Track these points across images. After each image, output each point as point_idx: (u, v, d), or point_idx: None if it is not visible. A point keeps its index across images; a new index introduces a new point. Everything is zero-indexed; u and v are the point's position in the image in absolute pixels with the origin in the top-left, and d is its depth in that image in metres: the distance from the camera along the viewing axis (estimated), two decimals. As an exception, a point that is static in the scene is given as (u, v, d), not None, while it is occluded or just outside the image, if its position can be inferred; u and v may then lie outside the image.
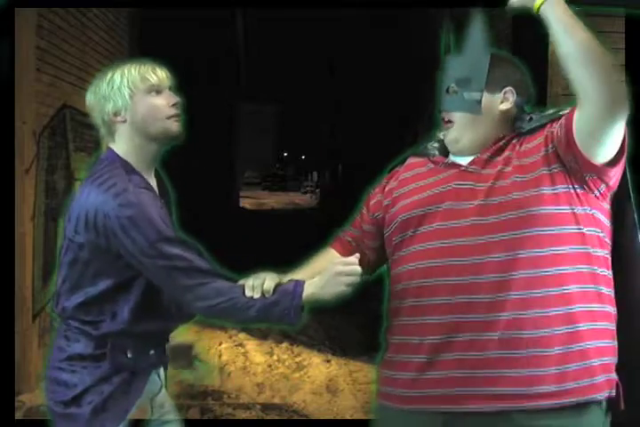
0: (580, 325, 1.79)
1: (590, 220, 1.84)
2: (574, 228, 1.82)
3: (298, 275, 2.02)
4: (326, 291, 1.88)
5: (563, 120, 1.85)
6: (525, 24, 5.20)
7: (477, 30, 1.99)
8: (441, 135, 2.06)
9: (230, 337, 6.94)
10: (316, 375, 5.70)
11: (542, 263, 1.78)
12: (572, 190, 1.84)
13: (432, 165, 2.01)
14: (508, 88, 1.96)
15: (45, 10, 5.23)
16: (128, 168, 2.03)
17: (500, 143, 1.93)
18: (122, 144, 2.07)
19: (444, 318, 1.80)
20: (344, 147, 19.31)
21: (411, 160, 2.10)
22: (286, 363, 6.12)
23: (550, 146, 1.86)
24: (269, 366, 6.04)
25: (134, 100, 2.04)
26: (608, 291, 1.86)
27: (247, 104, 37.68)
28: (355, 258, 1.91)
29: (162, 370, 2.21)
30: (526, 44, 5.13)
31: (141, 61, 2.11)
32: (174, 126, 2.07)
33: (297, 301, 1.89)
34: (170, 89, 2.10)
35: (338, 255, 2.11)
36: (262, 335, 7.03)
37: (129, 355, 2.03)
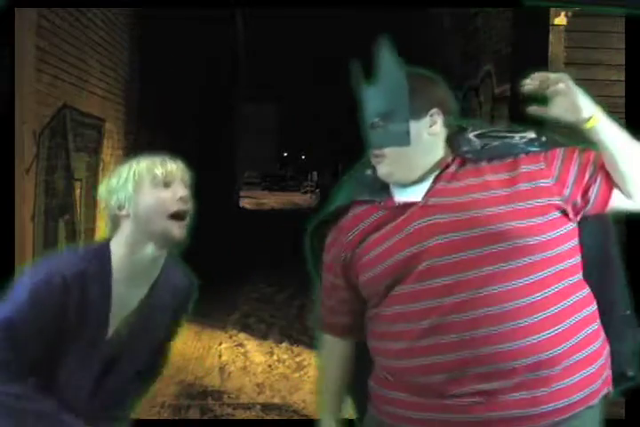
0: (580, 335, 1.81)
1: (574, 233, 1.85)
2: (560, 248, 1.81)
3: (332, 395, 2.05)
4: None
5: (593, 197, 1.83)
6: (525, 24, 5.21)
7: (387, 57, 1.87)
8: (369, 174, 1.95)
9: (230, 337, 6.95)
10: (315, 375, 5.70)
11: (534, 289, 1.76)
12: (563, 215, 1.83)
13: (383, 211, 1.89)
14: (433, 110, 1.86)
15: (45, 10, 5.23)
16: (103, 268, 1.92)
17: (451, 170, 1.86)
18: (120, 241, 1.94)
19: (457, 354, 1.75)
20: (344, 147, 19.31)
21: (354, 210, 1.95)
22: (286, 363, 6.12)
23: (558, 198, 1.81)
24: (269, 366, 6.05)
25: (138, 192, 1.91)
26: (586, 292, 1.87)
27: (247, 104, 37.66)
28: None
29: None
30: (526, 44, 5.13)
31: (155, 155, 1.99)
32: (176, 230, 1.91)
33: None
34: (182, 181, 1.95)
35: (353, 348, 2.03)
36: (262, 335, 7.04)
37: None
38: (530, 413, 1.76)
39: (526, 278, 1.75)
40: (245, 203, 29.90)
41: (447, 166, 1.86)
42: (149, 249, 1.93)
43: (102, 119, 7.09)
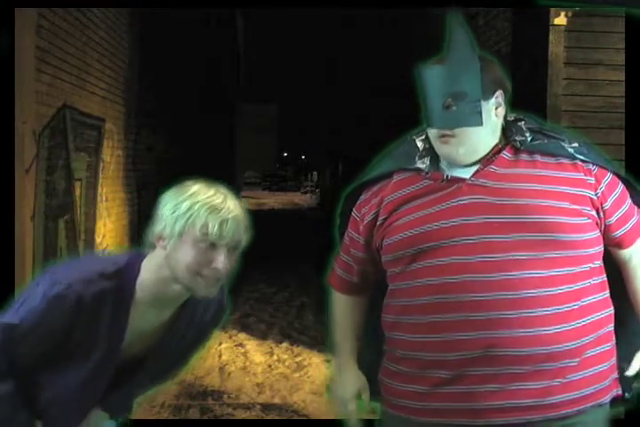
0: (599, 332, 1.85)
1: (600, 239, 1.90)
2: (592, 250, 1.86)
3: (345, 348, 2.10)
4: None
5: (617, 235, 1.92)
6: (525, 24, 5.21)
7: (460, 35, 1.85)
8: (420, 146, 1.96)
9: (230, 337, 6.95)
10: (316, 375, 5.70)
11: (563, 281, 1.80)
12: (594, 222, 1.88)
13: (428, 182, 1.90)
14: (498, 91, 1.89)
15: (45, 10, 5.23)
16: (126, 288, 1.82)
17: (505, 156, 1.88)
18: (150, 267, 1.84)
19: (473, 334, 1.77)
20: (344, 147, 19.31)
21: (397, 177, 1.96)
22: (286, 363, 6.12)
23: (591, 208, 1.86)
24: (269, 366, 6.04)
25: (182, 238, 1.76)
26: (607, 294, 1.91)
27: (247, 104, 37.67)
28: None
29: None
30: (526, 44, 5.13)
31: (229, 199, 1.80)
32: (203, 289, 1.80)
33: None
34: (230, 250, 1.79)
35: (359, 304, 2.10)
36: (262, 335, 7.04)
37: None
38: (543, 402, 1.78)
39: (557, 270, 1.79)
40: (245, 203, 29.88)
41: (499, 151, 1.89)
42: (176, 287, 1.83)
43: (102, 119, 7.09)
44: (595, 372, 1.83)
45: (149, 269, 1.83)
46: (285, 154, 72.22)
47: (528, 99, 4.87)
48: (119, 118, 7.88)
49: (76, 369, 1.85)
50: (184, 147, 12.19)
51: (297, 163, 66.44)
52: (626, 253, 1.94)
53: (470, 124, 1.84)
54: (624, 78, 4.58)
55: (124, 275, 1.83)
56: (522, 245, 1.78)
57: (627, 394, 1.94)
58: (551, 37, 4.65)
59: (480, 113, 1.84)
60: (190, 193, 1.79)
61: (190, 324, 1.96)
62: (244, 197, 32.11)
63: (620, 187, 1.92)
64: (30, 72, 4.99)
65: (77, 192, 6.20)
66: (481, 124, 1.84)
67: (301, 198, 37.93)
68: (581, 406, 1.81)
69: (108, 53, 7.22)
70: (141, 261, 1.85)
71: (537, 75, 4.82)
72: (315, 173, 42.62)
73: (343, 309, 2.11)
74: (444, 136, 1.86)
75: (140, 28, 8.66)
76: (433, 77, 1.86)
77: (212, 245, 1.76)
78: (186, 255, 1.76)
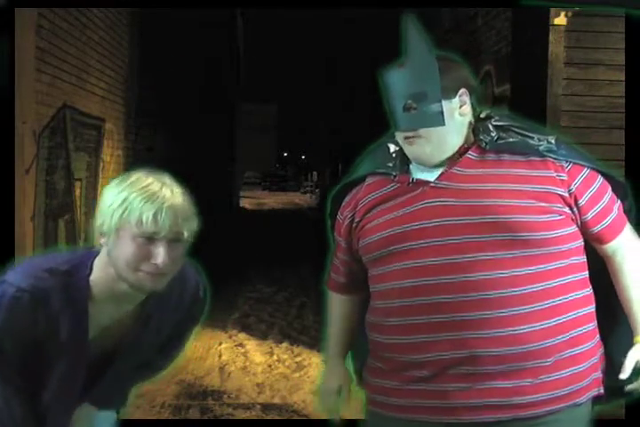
0: (573, 332, 1.84)
1: (578, 234, 1.89)
2: (564, 246, 1.85)
3: (334, 343, 2.18)
4: None
5: (594, 231, 1.91)
6: (525, 24, 5.21)
7: (416, 36, 1.87)
8: (391, 149, 1.97)
9: (230, 337, 6.95)
10: (315, 375, 5.70)
11: (532, 280, 1.79)
12: (569, 218, 1.87)
13: (396, 185, 1.93)
14: (462, 90, 1.89)
15: (45, 10, 5.24)
16: (77, 285, 1.76)
17: (471, 156, 1.88)
18: (99, 264, 1.79)
19: (447, 335, 1.78)
20: (344, 147, 19.32)
21: (369, 180, 2.00)
22: (286, 363, 6.12)
23: (562, 205, 1.85)
24: (269, 366, 6.04)
25: (120, 234, 1.68)
26: (588, 291, 1.90)
27: (247, 104, 37.67)
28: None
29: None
30: (526, 44, 5.13)
31: (166, 187, 1.69)
32: (148, 282, 1.70)
33: None
34: (170, 243, 1.68)
35: (350, 302, 2.14)
36: (262, 335, 7.04)
37: None
38: (514, 402, 1.78)
39: (524, 269, 1.79)
40: (245, 203, 29.89)
41: (464, 152, 1.89)
42: (124, 286, 1.74)
43: (102, 119, 7.09)
44: (572, 373, 1.82)
45: (99, 267, 1.78)
46: (285, 154, 72.23)
47: (528, 99, 4.88)
48: (119, 118, 7.88)
49: (48, 368, 1.83)
50: (184, 147, 12.19)
51: (297, 163, 66.44)
52: (608, 248, 1.93)
53: (432, 125, 1.86)
54: (624, 78, 4.58)
55: (76, 272, 1.78)
56: (488, 246, 1.78)
57: (627, 388, 1.91)
58: (551, 37, 4.64)
59: (442, 113, 1.85)
60: (127, 184, 1.69)
61: (162, 317, 1.91)
62: (244, 197, 32.12)
63: (598, 183, 1.90)
64: (30, 72, 4.99)
65: (77, 192, 6.21)
66: (443, 123, 1.86)
67: (301, 198, 37.93)
68: (554, 407, 1.80)
69: (107, 53, 7.22)
70: (94, 258, 1.80)
71: (537, 75, 4.82)
72: (315, 173, 42.60)
73: (334, 306, 2.18)
74: (407, 138, 1.88)
75: (140, 28, 8.66)
76: (394, 81, 1.89)
77: (150, 239, 1.66)
78: (124, 251, 1.67)
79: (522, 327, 1.77)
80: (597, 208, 1.89)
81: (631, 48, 4.46)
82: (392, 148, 1.99)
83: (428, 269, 1.81)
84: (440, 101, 1.85)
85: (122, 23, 7.82)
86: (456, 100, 1.88)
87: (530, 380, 1.78)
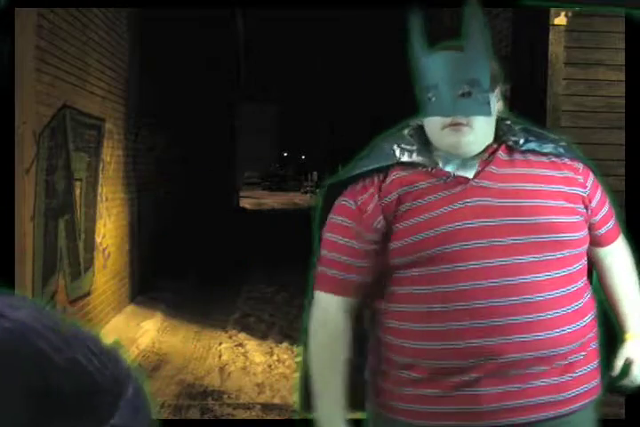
0: (594, 330, 1.89)
1: (588, 238, 1.92)
2: (584, 248, 1.88)
3: (336, 399, 1.91)
4: None
5: (599, 232, 1.94)
6: (525, 24, 5.21)
7: (478, 24, 1.80)
8: (412, 140, 1.88)
9: (230, 337, 6.95)
10: (315, 375, 5.70)
11: (568, 282, 1.81)
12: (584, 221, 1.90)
13: (432, 180, 1.82)
14: (498, 87, 1.86)
15: (45, 10, 5.23)
16: None
17: (501, 156, 1.85)
18: None
19: (493, 339, 1.75)
20: (344, 147, 19.32)
21: (399, 173, 1.85)
22: (286, 363, 6.12)
23: (582, 207, 1.87)
24: (269, 366, 6.04)
25: None
26: (590, 293, 1.93)
27: (247, 104, 37.67)
28: None
29: None
30: (526, 44, 5.13)
31: None
32: None
33: None
34: None
35: (354, 316, 1.95)
36: (262, 335, 7.03)
37: None
38: (557, 398, 1.80)
39: (561, 271, 1.79)
40: (245, 203, 29.88)
41: (494, 151, 1.85)
42: None
43: (102, 119, 7.09)
44: (594, 367, 1.88)
45: None
46: (285, 154, 72.20)
47: (528, 99, 4.88)
48: (119, 118, 7.88)
49: None
50: (184, 147, 12.19)
51: (297, 163, 66.39)
52: (602, 251, 1.96)
53: (482, 113, 1.79)
54: (624, 78, 4.59)
55: None
56: (530, 248, 1.77)
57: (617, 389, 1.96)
58: (551, 37, 4.65)
59: (489, 103, 1.80)
60: None
61: None
62: (244, 197, 32.11)
63: (601, 185, 1.94)
64: (30, 72, 4.99)
65: (77, 192, 6.20)
66: (490, 114, 1.81)
67: (301, 198, 37.90)
68: (587, 400, 1.84)
69: (107, 53, 7.22)
70: None
71: (537, 75, 4.82)
72: (315, 173, 42.60)
73: (332, 324, 2.09)
74: (457, 124, 1.78)
75: (140, 28, 8.66)
76: (448, 64, 1.79)
77: None
78: None
79: (567, 328, 1.78)
80: (604, 211, 1.92)
81: (631, 48, 4.47)
82: (409, 136, 1.88)
83: (473, 272, 1.75)
84: (488, 92, 1.80)
85: (122, 23, 7.82)
86: (495, 95, 1.85)
87: (570, 375, 1.81)
